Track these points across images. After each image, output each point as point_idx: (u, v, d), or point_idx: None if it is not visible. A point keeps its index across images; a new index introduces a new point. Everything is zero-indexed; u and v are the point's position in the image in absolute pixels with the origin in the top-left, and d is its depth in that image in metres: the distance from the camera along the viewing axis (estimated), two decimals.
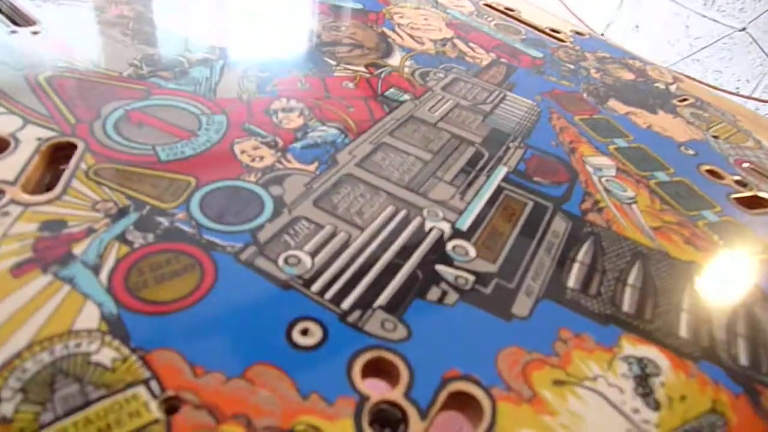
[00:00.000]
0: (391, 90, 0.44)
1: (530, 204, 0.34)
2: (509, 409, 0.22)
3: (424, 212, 0.32)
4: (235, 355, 0.22)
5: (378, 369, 0.23)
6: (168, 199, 0.28)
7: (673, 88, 0.60)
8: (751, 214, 0.40)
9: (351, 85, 0.44)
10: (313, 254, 0.27)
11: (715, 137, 0.50)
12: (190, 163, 0.31)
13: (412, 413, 0.21)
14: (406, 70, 0.48)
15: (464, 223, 0.31)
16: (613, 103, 0.52)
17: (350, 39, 0.52)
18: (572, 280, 0.29)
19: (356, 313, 0.25)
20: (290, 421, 0.20)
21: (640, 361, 0.26)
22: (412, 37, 0.55)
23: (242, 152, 0.33)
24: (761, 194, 0.42)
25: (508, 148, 0.40)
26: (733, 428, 0.24)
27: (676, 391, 0.25)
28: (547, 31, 0.66)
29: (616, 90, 0.55)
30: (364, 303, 0.25)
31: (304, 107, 0.39)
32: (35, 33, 0.41)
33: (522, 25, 0.67)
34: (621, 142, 0.44)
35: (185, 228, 0.27)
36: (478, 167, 0.37)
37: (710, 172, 0.44)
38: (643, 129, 0.48)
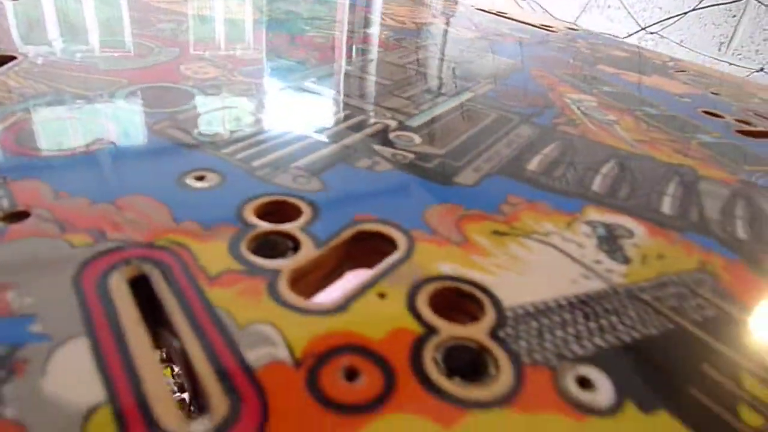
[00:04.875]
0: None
1: (494, 115, 0.31)
2: (430, 249, 0.18)
3: (370, 112, 0.29)
4: (110, 185, 0.19)
5: (281, 213, 0.19)
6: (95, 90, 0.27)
7: (670, 64, 0.57)
8: (756, 142, 0.35)
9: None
10: (233, 132, 0.25)
11: (715, 94, 0.47)
12: (136, 72, 0.30)
13: (306, 242, 0.17)
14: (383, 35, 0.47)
15: (414, 122, 0.29)
16: (602, 66, 0.49)
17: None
18: (534, 165, 0.26)
19: (265, 170, 0.21)
20: (152, 238, 0.17)
21: (608, 226, 0.21)
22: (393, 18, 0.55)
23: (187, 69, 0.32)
24: None
25: (478, 82, 0.37)
26: (725, 285, 0.19)
27: (652, 251, 0.20)
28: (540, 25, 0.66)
29: (607, 60, 0.52)
30: (277, 165, 0.22)
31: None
32: None
33: (515, 22, 0.66)
34: (606, 88, 0.41)
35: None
36: (440, 91, 0.34)
37: (708, 113, 0.40)
38: (632, 82, 0.45)
